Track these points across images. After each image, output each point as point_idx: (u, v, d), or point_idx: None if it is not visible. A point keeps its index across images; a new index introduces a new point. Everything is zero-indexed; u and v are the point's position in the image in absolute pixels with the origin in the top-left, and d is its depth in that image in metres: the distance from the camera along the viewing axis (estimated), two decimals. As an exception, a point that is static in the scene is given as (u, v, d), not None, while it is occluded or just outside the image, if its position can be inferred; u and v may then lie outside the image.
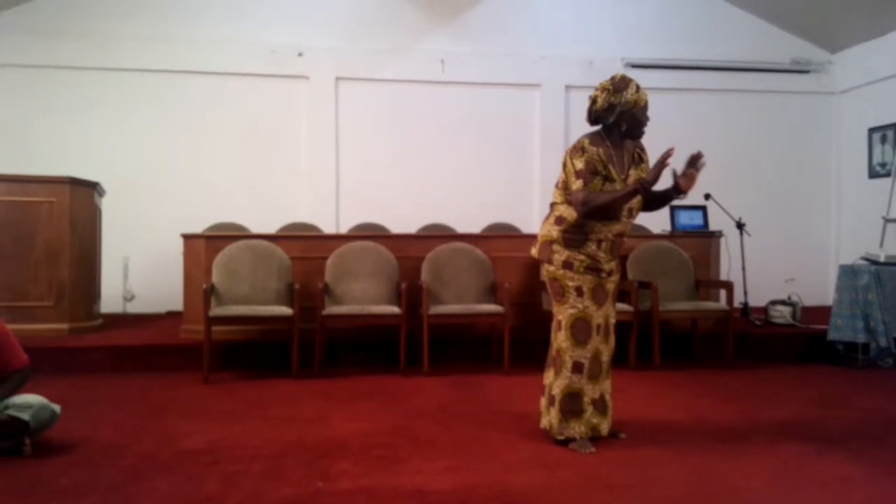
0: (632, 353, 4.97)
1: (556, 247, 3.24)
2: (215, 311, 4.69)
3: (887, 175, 7.12)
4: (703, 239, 5.89)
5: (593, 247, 3.21)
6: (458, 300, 5.10)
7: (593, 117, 3.26)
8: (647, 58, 7.56)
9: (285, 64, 7.09)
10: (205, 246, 5.22)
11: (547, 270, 3.29)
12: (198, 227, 5.86)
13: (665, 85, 7.51)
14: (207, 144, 7.02)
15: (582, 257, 3.20)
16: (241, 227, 6.22)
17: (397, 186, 7.18)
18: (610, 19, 7.63)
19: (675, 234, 5.93)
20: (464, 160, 7.35)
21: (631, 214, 3.26)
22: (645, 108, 3.19)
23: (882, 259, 5.24)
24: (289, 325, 4.72)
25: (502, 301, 4.95)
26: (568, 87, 7.34)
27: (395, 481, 2.73)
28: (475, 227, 6.37)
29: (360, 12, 7.27)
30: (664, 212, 5.90)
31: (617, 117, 3.18)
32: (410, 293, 4.93)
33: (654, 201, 3.32)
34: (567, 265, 3.21)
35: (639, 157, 3.31)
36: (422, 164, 7.29)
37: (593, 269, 3.21)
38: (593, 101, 3.23)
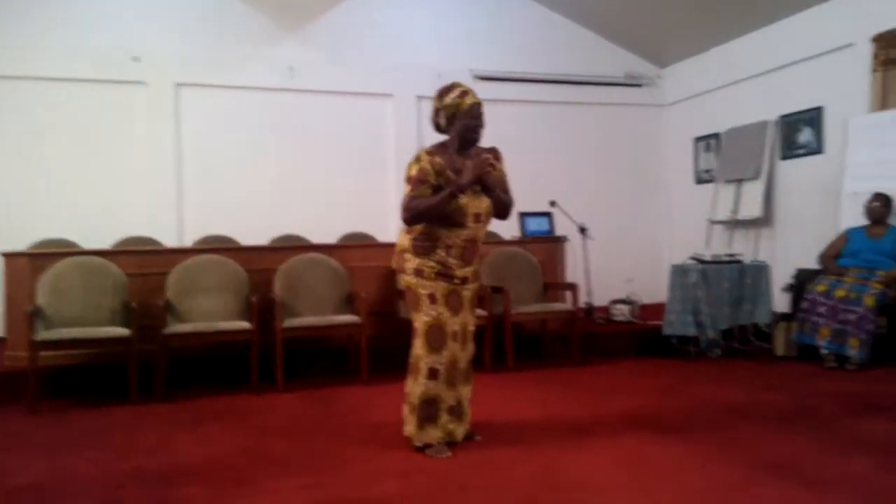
0: (487, 357, 5.08)
1: (407, 255, 3.26)
2: (42, 334, 4.29)
3: (711, 181, 7.76)
4: (550, 244, 6.14)
5: (442, 253, 3.23)
6: (314, 312, 4.98)
7: (434, 126, 3.33)
8: (494, 70, 7.80)
9: (120, 69, 6.65)
10: (28, 264, 4.78)
11: (402, 280, 3.31)
12: (20, 245, 5.35)
13: (511, 97, 7.79)
14: (33, 154, 6.43)
15: (432, 264, 3.22)
16: (70, 244, 5.72)
17: (247, 197, 6.91)
18: (458, 32, 7.80)
19: (525, 239, 6.14)
20: (317, 169, 7.22)
21: (479, 220, 3.27)
22: (470, 111, 3.21)
23: (708, 258, 5.69)
24: (126, 347, 4.40)
25: (359, 311, 4.90)
26: (420, 98, 7.40)
27: (245, 504, 2.61)
28: (330, 238, 6.27)
29: (200, 17, 6.96)
30: (514, 219, 6.16)
31: (447, 123, 3.26)
32: (263, 307, 4.77)
33: (499, 205, 3.33)
34: (418, 273, 3.23)
35: (491, 166, 3.32)
36: (273, 174, 7.09)
37: (444, 275, 3.23)
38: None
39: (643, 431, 3.43)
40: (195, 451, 3.32)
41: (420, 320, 3.24)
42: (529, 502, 2.55)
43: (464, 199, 3.19)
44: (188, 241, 6.46)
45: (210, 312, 4.82)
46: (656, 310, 6.21)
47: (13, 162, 6.39)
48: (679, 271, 5.65)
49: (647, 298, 6.83)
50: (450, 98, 3.23)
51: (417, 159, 3.22)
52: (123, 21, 6.71)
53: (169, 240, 6.38)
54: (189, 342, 4.65)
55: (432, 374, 3.21)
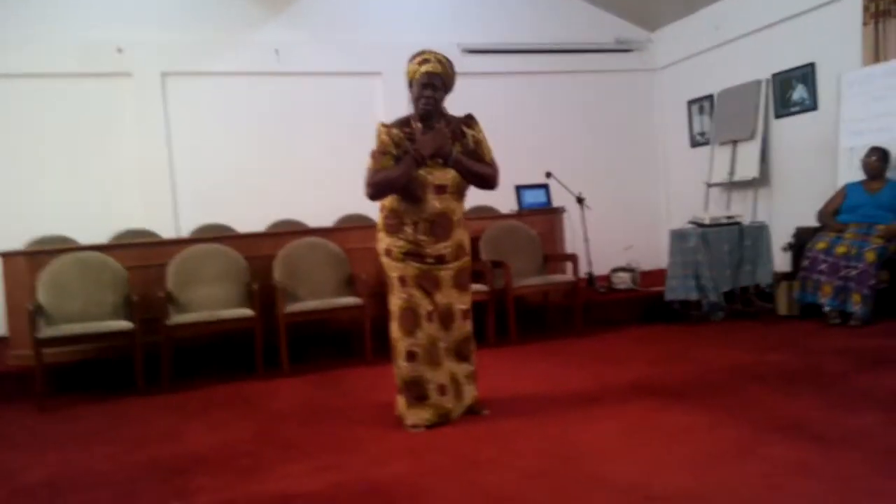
0: (490, 331, 5.09)
1: (380, 234, 3.25)
2: (45, 332, 4.30)
3: (706, 143, 7.72)
4: (548, 215, 6.13)
5: (409, 230, 3.16)
6: (315, 296, 4.98)
7: None
8: (482, 43, 7.72)
9: (104, 61, 6.55)
10: (27, 263, 4.76)
11: (380, 259, 3.27)
12: (17, 243, 5.32)
13: (501, 69, 7.73)
14: (24, 152, 6.37)
15: (401, 243, 3.16)
16: (67, 240, 5.70)
17: (241, 184, 6.86)
18: (444, 6, 7.69)
19: (522, 212, 6.13)
20: (309, 152, 7.15)
21: (444, 192, 3.16)
22: (423, 79, 3.11)
23: (707, 222, 5.67)
24: (130, 340, 4.42)
25: (360, 293, 4.89)
26: (409, 75, 7.33)
27: (259, 489, 2.61)
28: (327, 221, 6.24)
29: (182, 3, 6.85)
30: (511, 193, 6.15)
31: (410, 89, 3.21)
32: (264, 293, 4.76)
33: (467, 175, 3.22)
34: (388, 253, 3.20)
35: (461, 133, 3.24)
36: (265, 159, 7.02)
37: (414, 254, 3.16)
38: None
39: (650, 398, 3.44)
40: (206, 440, 3.33)
41: (393, 303, 3.22)
42: (541, 474, 2.56)
43: (421, 171, 3.11)
44: (185, 232, 6.43)
45: (212, 301, 4.81)
46: (657, 276, 6.21)
47: (4, 160, 6.34)
48: (678, 236, 5.64)
49: (647, 265, 6.82)
50: (411, 64, 3.16)
51: (377, 133, 3.18)
52: (105, 12, 6.61)
53: (166, 231, 6.35)
54: (193, 332, 4.65)
55: (410, 356, 3.19)
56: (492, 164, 3.29)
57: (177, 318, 4.60)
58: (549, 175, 6.50)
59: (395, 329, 3.23)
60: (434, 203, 3.15)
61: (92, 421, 3.89)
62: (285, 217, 6.44)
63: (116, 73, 6.63)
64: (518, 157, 6.89)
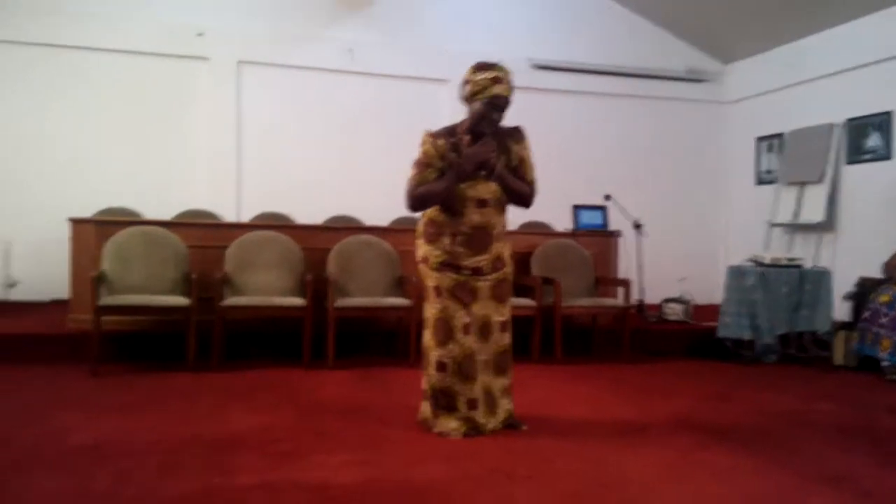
0: (535, 348, 5.07)
1: (419, 241, 3.25)
2: (105, 300, 4.44)
3: (772, 182, 7.57)
4: (603, 238, 6.07)
5: (447, 241, 3.16)
6: (365, 293, 5.04)
7: (459, 96, 3.18)
8: (553, 60, 7.73)
9: (184, 44, 6.78)
10: (94, 231, 4.93)
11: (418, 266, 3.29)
12: (87, 212, 5.52)
13: (569, 88, 7.74)
14: (98, 124, 6.63)
15: (438, 252, 3.17)
16: (134, 213, 5.92)
17: (303, 175, 7.00)
18: (518, 19, 7.74)
19: (578, 232, 6.08)
20: (372, 152, 7.25)
21: (485, 205, 3.13)
22: (492, 101, 3.04)
23: (767, 261, 5.55)
24: (185, 316, 4.53)
25: (409, 294, 4.93)
26: (476, 84, 7.37)
27: (296, 476, 2.66)
28: (383, 220, 6.30)
29: (265, -6, 7.06)
30: (568, 212, 6.12)
31: (467, 98, 3.11)
32: (316, 285, 4.83)
33: (507, 192, 3.19)
34: (424, 261, 3.21)
35: (507, 148, 3.18)
36: (329, 154, 7.16)
37: (450, 265, 3.15)
38: None
39: (695, 434, 3.38)
40: (248, 420, 3.40)
41: (428, 311, 3.22)
42: (576, 496, 2.54)
43: (462, 185, 3.09)
44: (245, 217, 6.58)
45: (266, 287, 4.92)
46: (709, 311, 6.09)
47: (79, 131, 6.59)
48: (736, 273, 5.53)
49: (700, 299, 6.71)
50: (481, 76, 3.06)
51: (422, 142, 3.15)
52: (190, -3, 6.85)
53: (227, 214, 6.52)
54: (245, 315, 4.78)
55: (440, 366, 3.19)
56: (531, 184, 3.25)
57: (231, 300, 4.71)
58: (608, 197, 6.45)
59: (427, 337, 3.23)
60: (474, 216, 3.14)
61: (141, 391, 4.00)
62: (343, 213, 6.54)
63: (194, 57, 6.86)
64: (578, 176, 6.91)
